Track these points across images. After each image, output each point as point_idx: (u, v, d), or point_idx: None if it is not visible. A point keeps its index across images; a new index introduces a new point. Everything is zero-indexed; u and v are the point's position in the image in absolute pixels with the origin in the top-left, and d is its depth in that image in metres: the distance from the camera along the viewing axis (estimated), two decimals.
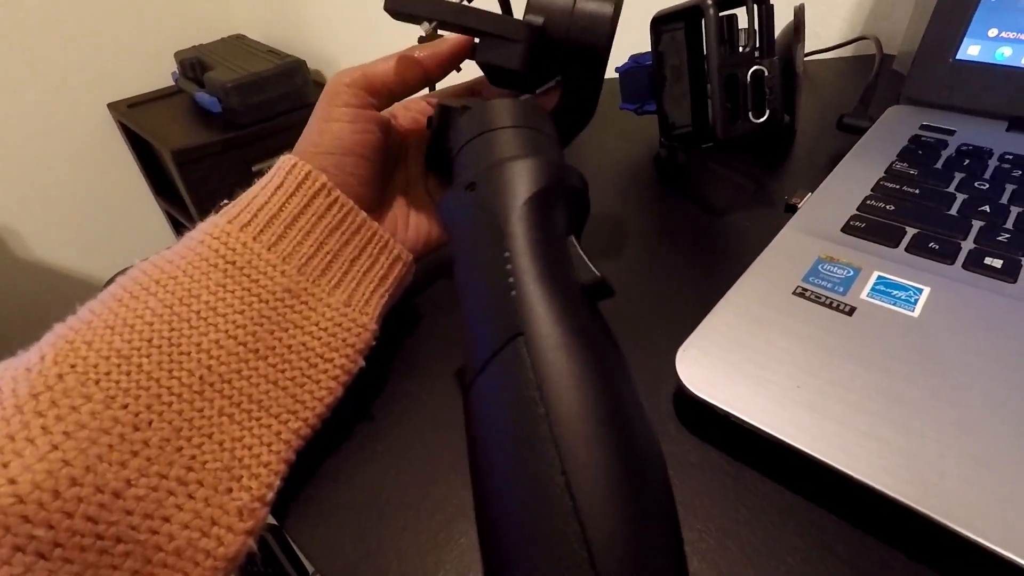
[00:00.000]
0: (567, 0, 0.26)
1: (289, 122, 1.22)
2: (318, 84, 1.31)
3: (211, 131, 1.17)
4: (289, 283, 0.23)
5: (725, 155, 0.40)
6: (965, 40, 0.37)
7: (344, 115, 0.26)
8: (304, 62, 1.22)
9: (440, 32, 0.27)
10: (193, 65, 1.24)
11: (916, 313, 0.24)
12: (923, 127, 0.37)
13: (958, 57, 0.38)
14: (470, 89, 0.32)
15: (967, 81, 0.37)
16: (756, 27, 0.31)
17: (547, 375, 0.16)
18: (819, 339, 0.23)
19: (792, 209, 0.32)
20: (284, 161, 0.25)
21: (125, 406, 0.19)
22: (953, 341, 0.23)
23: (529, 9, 0.27)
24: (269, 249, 0.23)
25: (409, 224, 0.30)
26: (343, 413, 0.24)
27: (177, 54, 1.29)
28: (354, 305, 0.24)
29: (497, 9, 0.28)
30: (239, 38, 1.38)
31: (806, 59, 0.52)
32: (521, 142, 0.23)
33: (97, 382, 0.19)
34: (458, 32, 0.27)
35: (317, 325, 0.23)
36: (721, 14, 0.31)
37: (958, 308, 0.24)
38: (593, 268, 0.20)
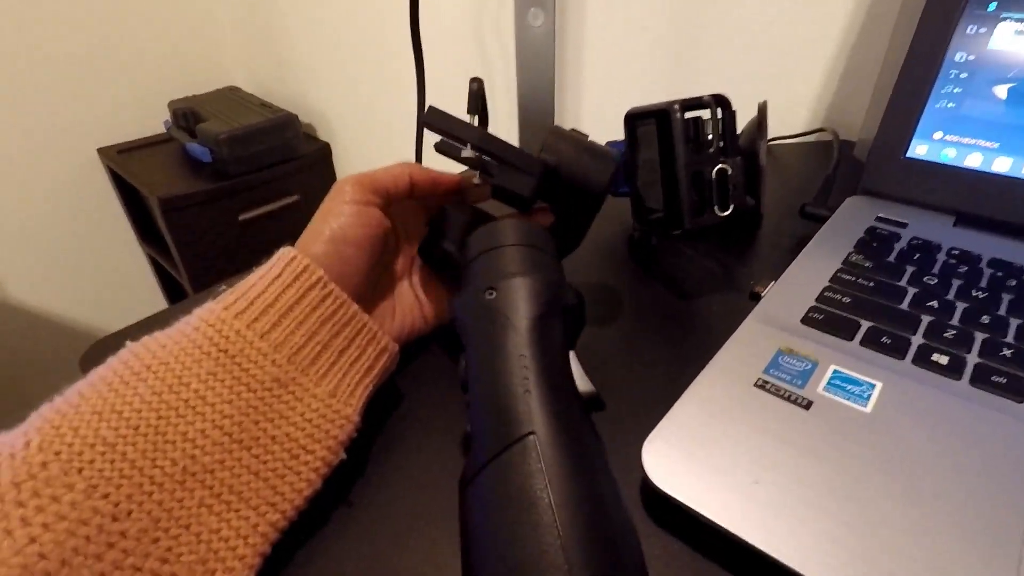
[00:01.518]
0: (573, 147, 0.32)
1: (278, 174, 1.24)
2: (309, 137, 1.34)
3: (199, 180, 1.18)
4: (278, 372, 0.24)
5: (694, 239, 0.42)
6: (913, 140, 0.40)
7: (348, 209, 0.28)
8: (296, 116, 1.25)
9: (465, 154, 0.31)
10: (186, 115, 1.27)
11: (869, 409, 0.26)
12: (878, 219, 0.40)
13: (908, 155, 0.41)
14: (456, 185, 0.34)
15: (917, 177, 0.40)
16: (720, 130, 0.34)
17: (556, 473, 0.19)
18: (778, 433, 0.25)
19: (756, 297, 0.34)
20: (284, 253, 0.26)
21: (106, 495, 0.20)
22: (903, 439, 0.24)
23: (545, 150, 0.31)
24: (262, 337, 0.24)
25: (395, 313, 0.32)
26: (320, 497, 0.24)
27: (171, 103, 1.32)
28: (339, 396, 0.25)
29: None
30: (233, 90, 1.41)
31: (772, 143, 0.56)
32: (534, 260, 0.27)
33: (80, 471, 0.20)
34: (483, 154, 0.31)
35: (302, 416, 0.24)
36: (687, 116, 0.34)
37: (907, 405, 0.26)
38: (590, 383, 0.23)
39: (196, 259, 1.21)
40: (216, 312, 0.24)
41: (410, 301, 0.33)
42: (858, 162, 0.52)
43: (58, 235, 1.37)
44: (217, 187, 1.17)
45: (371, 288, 0.30)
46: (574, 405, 0.22)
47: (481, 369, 0.23)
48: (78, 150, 1.33)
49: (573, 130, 0.33)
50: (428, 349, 0.34)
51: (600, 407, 0.23)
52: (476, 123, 0.32)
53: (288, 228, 1.31)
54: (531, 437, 0.20)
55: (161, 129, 1.37)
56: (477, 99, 0.31)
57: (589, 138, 0.33)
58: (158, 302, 1.56)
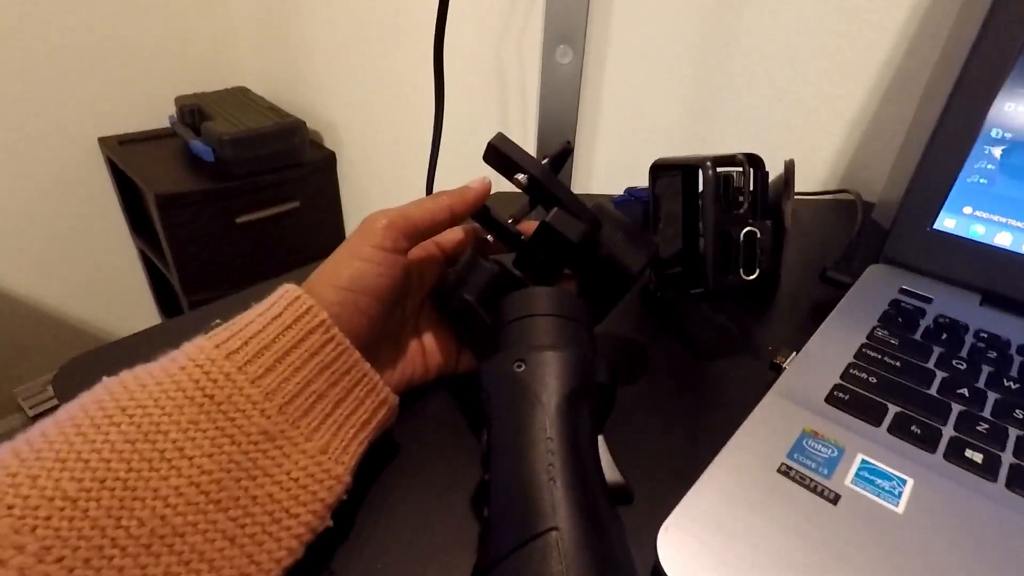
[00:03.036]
0: (618, 228, 0.30)
1: (280, 179, 1.22)
2: (315, 144, 1.33)
3: (199, 179, 1.16)
4: (267, 424, 0.22)
5: (713, 299, 0.41)
6: (941, 213, 0.39)
7: (373, 256, 0.26)
8: (304, 123, 1.24)
9: (519, 177, 0.30)
10: (192, 112, 1.25)
11: (900, 508, 0.24)
12: (902, 291, 0.38)
13: (935, 227, 0.39)
14: (471, 235, 0.32)
15: (943, 251, 0.39)
16: (751, 190, 0.32)
17: (576, 573, 0.18)
18: (802, 530, 0.23)
19: (776, 368, 0.32)
20: (287, 292, 0.24)
21: (60, 559, 0.18)
22: (937, 547, 0.22)
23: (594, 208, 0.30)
24: (253, 383, 0.22)
25: (397, 362, 0.30)
26: (299, 564, 0.22)
27: (178, 99, 1.30)
28: (331, 452, 0.23)
29: None
30: (242, 91, 1.40)
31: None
32: (566, 332, 0.25)
33: (34, 529, 0.17)
34: (540, 186, 0.29)
35: (288, 474, 0.22)
36: (718, 170, 0.32)
37: (941, 506, 0.24)
38: (618, 473, 0.22)
39: (188, 258, 1.18)
40: (206, 350, 0.22)
41: (413, 349, 0.31)
42: (878, 226, 0.51)
43: (50, 222, 1.34)
44: (217, 187, 1.15)
45: (377, 335, 0.28)
46: (600, 498, 0.20)
47: (505, 449, 0.21)
48: (79, 137, 1.31)
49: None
50: (426, 399, 0.32)
51: (628, 500, 0.22)
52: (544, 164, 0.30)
53: (286, 234, 1.29)
54: (553, 533, 0.18)
55: (166, 123, 1.36)
56: (562, 156, 0.31)
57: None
58: (145, 297, 1.53)
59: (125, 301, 1.51)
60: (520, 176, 0.29)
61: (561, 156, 0.31)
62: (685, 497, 0.24)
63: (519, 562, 0.18)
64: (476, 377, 0.25)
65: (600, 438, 0.23)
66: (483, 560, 0.19)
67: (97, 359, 0.33)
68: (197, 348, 0.22)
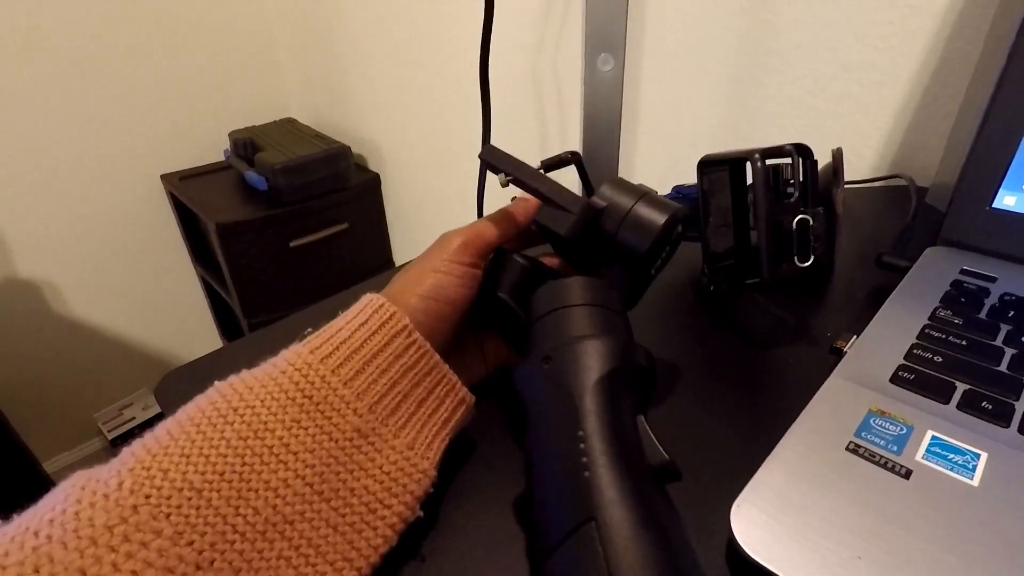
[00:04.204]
0: (627, 200, 0.30)
1: (329, 203, 1.28)
2: (360, 167, 1.38)
3: (255, 207, 1.23)
4: (360, 422, 0.24)
5: (768, 289, 0.41)
6: (1001, 191, 0.39)
7: (453, 269, 0.29)
8: (349, 148, 1.29)
9: (501, 181, 0.31)
10: (246, 144, 1.32)
11: (975, 482, 0.24)
12: (963, 272, 0.38)
13: (994, 206, 0.39)
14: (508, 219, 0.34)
15: (1004, 229, 0.38)
16: (801, 179, 0.33)
17: (618, 564, 0.17)
18: (877, 504, 0.23)
19: (837, 352, 0.32)
20: (371, 300, 0.27)
21: (191, 543, 0.20)
22: (1015, 518, 0.22)
23: (597, 194, 0.30)
24: (345, 384, 0.24)
25: (464, 363, 0.32)
26: (393, 550, 0.24)
27: (231, 134, 1.38)
28: (417, 448, 0.25)
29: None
30: (290, 122, 1.47)
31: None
32: (594, 320, 0.25)
33: (168, 516, 0.20)
34: (528, 191, 0.31)
35: (380, 468, 0.24)
36: (767, 162, 0.33)
37: (1019, 479, 0.24)
38: (663, 451, 0.21)
39: (247, 282, 1.24)
40: (303, 355, 0.24)
41: (473, 347, 0.33)
42: (932, 209, 0.51)
43: (119, 255, 1.43)
44: (271, 214, 1.21)
45: (453, 342, 0.30)
46: (641, 480, 0.20)
47: (538, 449, 0.22)
48: (143, 175, 1.40)
49: (640, 185, 0.32)
50: (493, 395, 0.33)
51: (676, 477, 0.21)
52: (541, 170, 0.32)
53: (336, 254, 1.34)
54: (591, 524, 0.18)
55: (221, 157, 1.44)
56: (560, 162, 0.32)
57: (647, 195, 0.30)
58: (207, 322, 1.61)
59: (189, 326, 1.60)
60: (502, 176, 0.31)
61: (559, 162, 0.32)
62: (755, 476, 0.25)
63: (561, 559, 0.18)
64: (511, 383, 0.25)
65: (640, 419, 0.22)
66: (533, 560, 0.19)
67: (191, 371, 0.36)
68: (295, 354, 0.25)
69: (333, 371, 0.24)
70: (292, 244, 1.25)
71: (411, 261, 0.31)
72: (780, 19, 0.59)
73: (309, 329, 0.27)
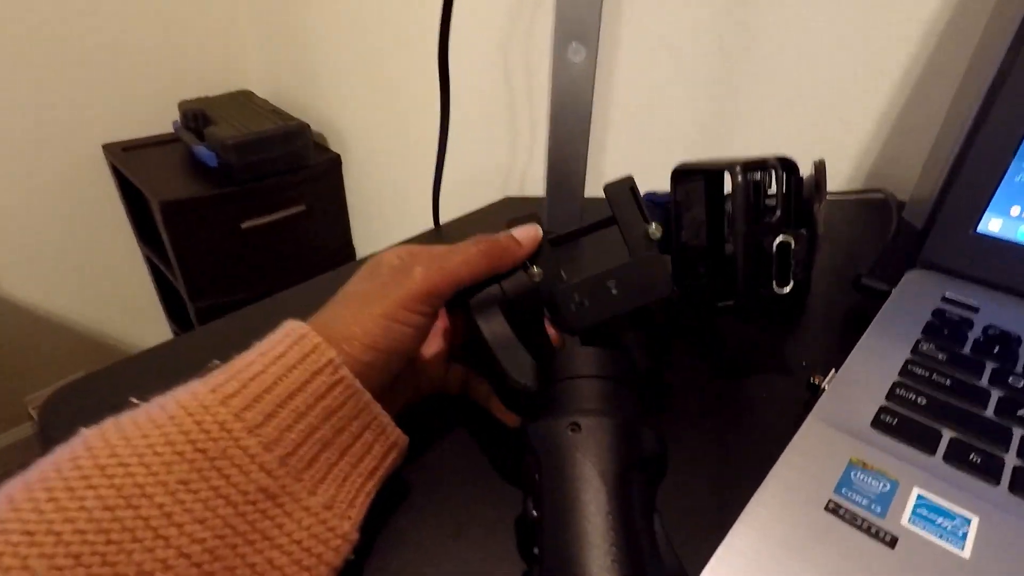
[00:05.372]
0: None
1: (285, 183, 1.20)
2: (320, 147, 1.31)
3: (204, 184, 1.15)
4: (266, 481, 0.20)
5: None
6: (986, 214, 0.37)
7: (415, 322, 0.24)
8: (308, 126, 1.22)
9: None
10: (196, 116, 1.24)
11: (966, 553, 0.21)
12: (945, 299, 0.36)
13: (979, 230, 0.37)
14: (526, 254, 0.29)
15: (988, 255, 0.36)
16: (783, 196, 0.30)
17: None
18: None
19: (814, 389, 0.30)
20: (292, 329, 0.22)
21: None
22: None
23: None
24: (251, 432, 0.20)
25: (393, 388, 0.27)
26: None
27: (181, 104, 1.29)
28: (336, 507, 0.21)
29: None
30: (246, 94, 1.38)
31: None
32: (631, 402, 0.24)
33: None
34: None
35: (290, 536, 0.20)
36: (748, 177, 0.30)
37: (1012, 549, 0.22)
38: (676, 557, 0.20)
39: (194, 265, 1.17)
40: (200, 396, 0.20)
41: (408, 370, 0.29)
42: (909, 226, 0.49)
43: (56, 230, 1.33)
44: (221, 193, 1.14)
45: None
46: None
47: (561, 528, 0.19)
48: (83, 144, 1.30)
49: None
50: (427, 424, 0.30)
51: None
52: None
53: (292, 238, 1.28)
54: None
55: (169, 129, 1.34)
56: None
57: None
58: (153, 304, 1.52)
59: (134, 308, 1.51)
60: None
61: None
62: (723, 542, 0.22)
63: None
64: (522, 436, 0.23)
65: (656, 517, 0.21)
66: None
67: (88, 387, 0.31)
68: (190, 394, 0.20)
69: (236, 415, 0.20)
70: (244, 226, 1.18)
71: (354, 282, 0.26)
72: (764, 22, 0.56)
73: (216, 361, 0.22)
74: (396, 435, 0.24)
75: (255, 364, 0.21)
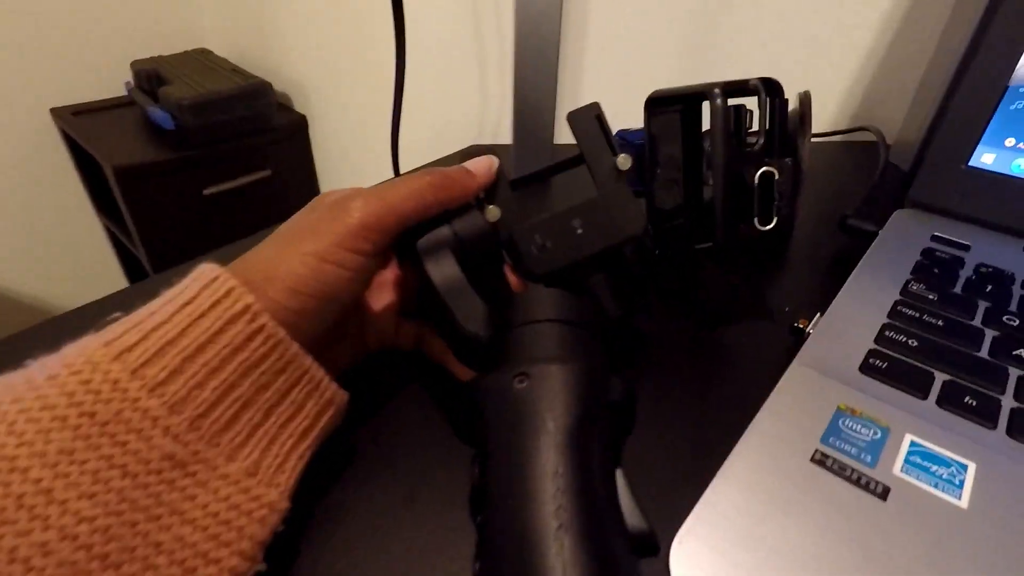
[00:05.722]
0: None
1: (247, 146, 1.15)
2: (284, 108, 1.25)
3: (160, 149, 1.09)
4: (172, 446, 0.17)
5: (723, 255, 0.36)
6: (979, 147, 0.34)
7: (352, 262, 0.21)
8: (270, 84, 1.16)
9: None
10: (149, 77, 1.16)
11: (963, 502, 0.20)
12: (935, 238, 0.33)
13: (971, 164, 0.35)
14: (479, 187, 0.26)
15: (980, 191, 0.34)
16: (768, 124, 0.27)
17: None
18: (850, 534, 0.19)
19: (798, 333, 0.27)
20: (203, 272, 0.19)
21: None
22: (1013, 546, 0.18)
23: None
24: (152, 391, 0.17)
25: (336, 343, 0.25)
26: None
27: (134, 63, 1.21)
28: (261, 474, 0.18)
29: None
30: (203, 52, 1.30)
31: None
32: (592, 349, 0.21)
33: None
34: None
35: (204, 508, 0.17)
36: (728, 103, 0.27)
37: (1013, 496, 0.20)
38: (643, 518, 0.17)
39: (155, 234, 1.12)
40: (88, 351, 0.17)
41: (355, 324, 0.26)
42: (896, 168, 0.46)
43: (5, 202, 1.26)
44: (179, 157, 1.08)
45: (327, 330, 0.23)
46: (621, 552, 0.16)
47: (505, 486, 0.17)
48: (29, 109, 1.22)
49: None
50: (377, 381, 0.27)
51: (653, 551, 0.17)
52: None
53: (258, 205, 1.22)
54: None
55: (122, 91, 1.27)
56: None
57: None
58: (116, 276, 1.47)
59: (95, 281, 1.45)
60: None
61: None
62: (702, 498, 0.20)
63: None
64: (469, 392, 0.20)
65: (619, 473, 0.18)
66: None
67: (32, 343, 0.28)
68: (78, 349, 0.17)
69: (133, 373, 0.17)
70: (206, 192, 1.12)
71: (289, 220, 0.24)
72: None
73: (118, 313, 0.19)
74: (332, 391, 0.21)
75: (158, 314, 0.18)
